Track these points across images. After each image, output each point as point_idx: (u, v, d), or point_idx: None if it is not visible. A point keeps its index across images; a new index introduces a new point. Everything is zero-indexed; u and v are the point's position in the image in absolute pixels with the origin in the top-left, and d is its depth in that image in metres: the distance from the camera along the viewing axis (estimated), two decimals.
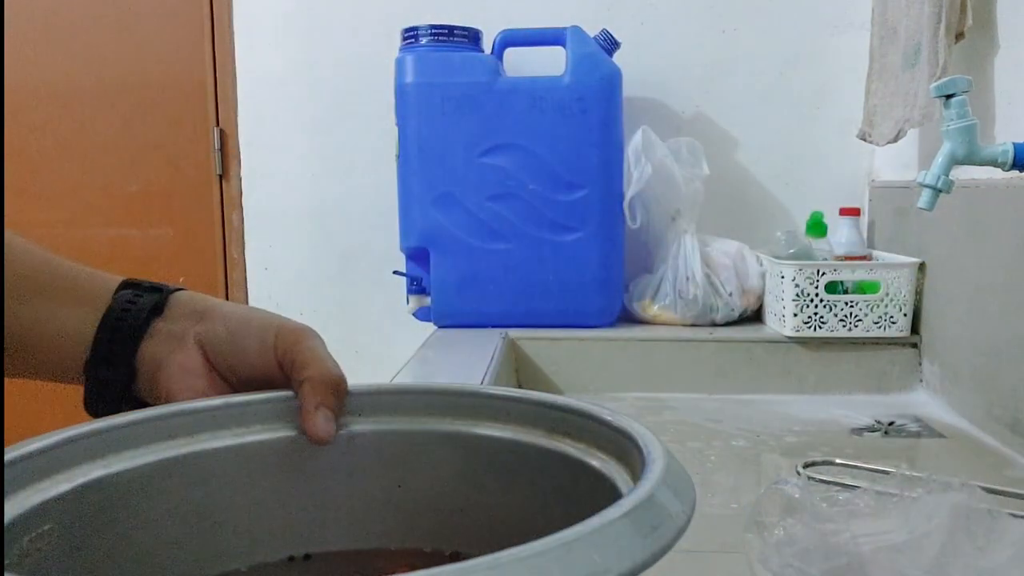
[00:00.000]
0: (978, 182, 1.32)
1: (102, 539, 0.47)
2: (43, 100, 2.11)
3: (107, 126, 2.11)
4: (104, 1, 2.08)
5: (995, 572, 0.79)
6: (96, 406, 0.57)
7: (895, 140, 1.55)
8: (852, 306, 1.56)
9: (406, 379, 1.30)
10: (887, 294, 1.55)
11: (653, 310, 1.73)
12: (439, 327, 1.74)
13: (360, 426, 0.56)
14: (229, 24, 2.02)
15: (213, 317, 0.57)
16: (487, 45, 1.75)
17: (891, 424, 1.38)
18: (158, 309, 0.57)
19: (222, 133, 2.07)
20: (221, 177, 2.08)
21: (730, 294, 1.71)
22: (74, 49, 2.09)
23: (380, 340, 2.00)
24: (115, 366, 0.56)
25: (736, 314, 1.73)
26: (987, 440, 1.28)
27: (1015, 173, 1.13)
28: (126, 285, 0.59)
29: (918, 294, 1.56)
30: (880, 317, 1.56)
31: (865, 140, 1.70)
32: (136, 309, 0.57)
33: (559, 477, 0.51)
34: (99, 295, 0.58)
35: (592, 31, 1.70)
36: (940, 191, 1.13)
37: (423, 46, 1.71)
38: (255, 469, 0.53)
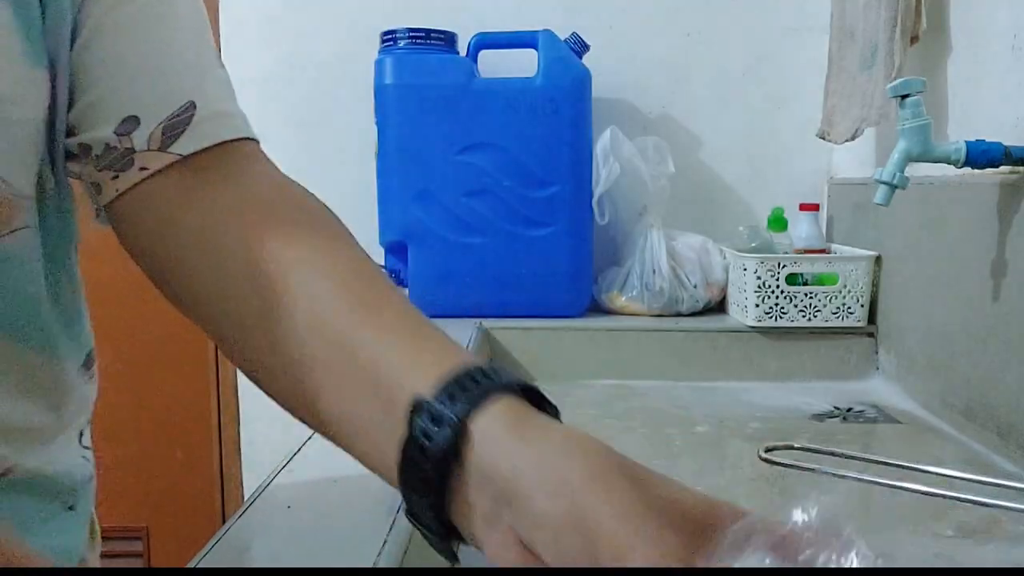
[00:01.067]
0: (932, 179, 1.30)
1: None
2: None
3: None
4: None
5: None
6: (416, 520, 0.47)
7: (852, 139, 1.54)
8: (811, 297, 1.55)
9: None
10: (845, 286, 1.54)
11: (621, 301, 1.71)
12: None
13: None
14: (215, 27, 1.99)
15: (526, 510, 0.40)
16: (462, 47, 1.73)
17: (849, 410, 1.37)
18: (455, 452, 0.42)
19: None
20: None
21: (695, 286, 1.69)
22: None
23: None
24: (425, 497, 0.44)
25: (700, 305, 1.71)
26: (941, 426, 1.26)
27: (967, 170, 1.11)
28: (418, 407, 0.44)
29: (874, 286, 1.54)
30: (838, 308, 1.54)
31: (824, 139, 1.68)
32: (432, 451, 0.42)
33: None
34: (397, 409, 0.45)
35: (563, 34, 1.67)
36: (896, 187, 1.12)
37: (401, 48, 1.68)
38: None
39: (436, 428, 0.42)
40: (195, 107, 0.58)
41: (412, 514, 0.46)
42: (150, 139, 0.56)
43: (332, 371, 0.49)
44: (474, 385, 0.44)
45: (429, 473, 0.43)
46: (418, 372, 0.45)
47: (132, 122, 0.55)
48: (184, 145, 0.56)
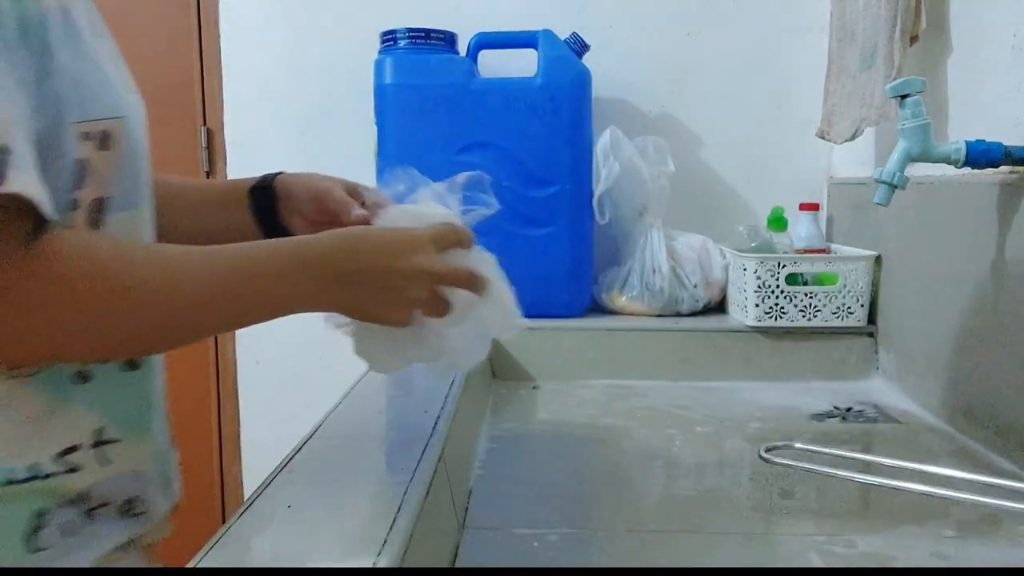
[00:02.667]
0: (932, 178, 1.30)
1: None
2: None
3: None
4: (95, 5, 2.05)
5: None
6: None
7: (852, 138, 1.54)
8: (811, 297, 1.55)
9: None
10: (845, 286, 1.54)
11: (621, 301, 1.71)
12: None
13: None
14: (215, 27, 1.99)
15: (296, 200, 0.95)
16: (462, 47, 1.73)
17: (849, 410, 1.37)
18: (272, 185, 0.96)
19: (209, 132, 2.04)
20: (208, 174, 2.05)
21: (695, 286, 1.69)
22: None
23: None
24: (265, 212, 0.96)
25: (700, 305, 1.71)
26: (941, 426, 1.26)
27: (967, 170, 1.11)
28: (252, 190, 0.96)
29: (874, 286, 1.54)
30: (838, 308, 1.54)
31: (824, 138, 1.68)
32: (268, 212, 0.96)
33: None
34: (244, 204, 0.96)
35: (563, 34, 1.67)
36: (895, 187, 1.12)
37: (401, 48, 1.68)
38: None
39: (264, 179, 0.96)
40: None
41: (262, 229, 0.95)
42: None
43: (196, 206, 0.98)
44: (271, 175, 0.97)
45: (266, 193, 0.95)
46: (241, 188, 0.97)
47: None
48: None
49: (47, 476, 0.66)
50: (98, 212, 0.68)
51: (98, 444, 0.70)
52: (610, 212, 1.70)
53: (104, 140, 0.67)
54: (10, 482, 0.64)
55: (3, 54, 0.57)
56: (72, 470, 0.67)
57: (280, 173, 0.98)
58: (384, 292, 0.76)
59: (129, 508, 0.73)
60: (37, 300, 0.59)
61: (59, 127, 0.63)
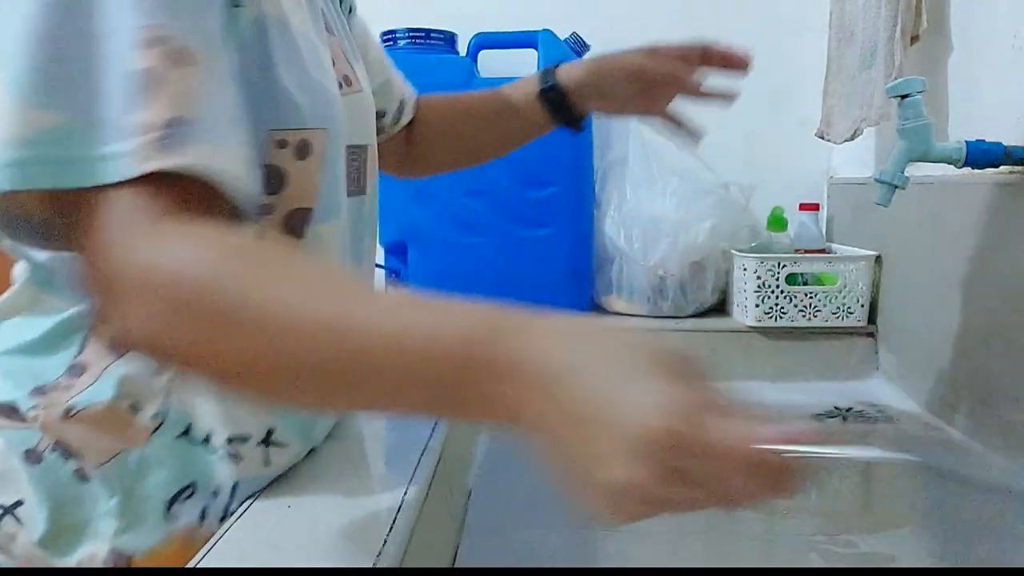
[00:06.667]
0: (932, 179, 1.30)
1: None
2: None
3: None
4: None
5: None
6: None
7: (852, 139, 1.54)
8: (811, 297, 1.55)
9: None
10: (845, 286, 1.54)
11: (620, 304, 1.71)
12: None
13: None
14: None
15: (576, 82, 1.09)
16: (462, 47, 1.73)
17: (849, 410, 1.37)
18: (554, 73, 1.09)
19: None
20: None
21: (696, 288, 1.69)
22: None
23: None
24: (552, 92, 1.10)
25: (703, 308, 1.71)
26: (941, 426, 1.26)
27: (968, 170, 1.11)
28: (540, 94, 1.09)
29: (875, 286, 1.54)
30: (838, 308, 1.55)
31: (823, 139, 1.68)
32: (562, 108, 1.11)
33: None
34: (536, 108, 1.11)
35: (563, 34, 1.67)
36: (896, 187, 1.12)
37: (401, 48, 1.68)
38: None
39: (544, 80, 1.09)
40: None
41: (552, 110, 1.10)
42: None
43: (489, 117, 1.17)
44: (549, 74, 1.09)
45: (550, 80, 1.08)
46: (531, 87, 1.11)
47: None
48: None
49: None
50: (301, 223, 0.70)
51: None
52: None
53: (302, 150, 0.69)
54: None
55: (222, 42, 0.59)
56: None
57: (558, 66, 1.07)
58: None
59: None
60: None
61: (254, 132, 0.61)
